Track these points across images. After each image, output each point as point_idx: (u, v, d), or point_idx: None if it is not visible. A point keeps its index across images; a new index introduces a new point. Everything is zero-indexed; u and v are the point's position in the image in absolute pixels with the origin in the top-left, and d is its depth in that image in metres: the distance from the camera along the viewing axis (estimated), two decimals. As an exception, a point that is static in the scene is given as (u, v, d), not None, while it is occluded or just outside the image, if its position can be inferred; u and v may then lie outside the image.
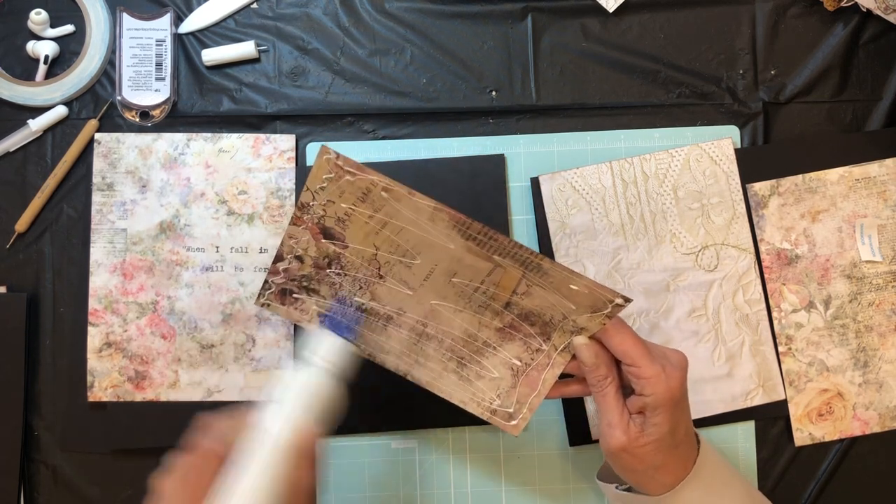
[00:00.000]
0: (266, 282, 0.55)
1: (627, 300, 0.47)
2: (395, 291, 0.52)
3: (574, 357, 0.52)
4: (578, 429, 0.64)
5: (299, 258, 0.52)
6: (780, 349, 0.65)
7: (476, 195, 0.65)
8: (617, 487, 0.55)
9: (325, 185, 0.48)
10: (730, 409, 0.64)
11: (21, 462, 0.63)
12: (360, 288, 0.53)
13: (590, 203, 0.65)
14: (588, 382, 0.52)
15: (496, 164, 0.65)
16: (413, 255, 0.50)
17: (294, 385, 0.46)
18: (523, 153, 0.66)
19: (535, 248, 0.65)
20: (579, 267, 0.64)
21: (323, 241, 0.51)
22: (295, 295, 0.54)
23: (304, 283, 0.53)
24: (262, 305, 0.56)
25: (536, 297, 0.50)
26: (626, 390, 0.52)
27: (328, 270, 0.52)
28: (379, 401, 0.63)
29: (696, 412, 0.64)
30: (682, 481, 0.50)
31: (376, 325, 0.54)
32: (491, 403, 0.54)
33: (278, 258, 0.53)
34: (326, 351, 0.48)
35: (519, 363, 0.53)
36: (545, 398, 0.54)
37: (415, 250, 0.50)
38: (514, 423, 0.54)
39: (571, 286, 0.48)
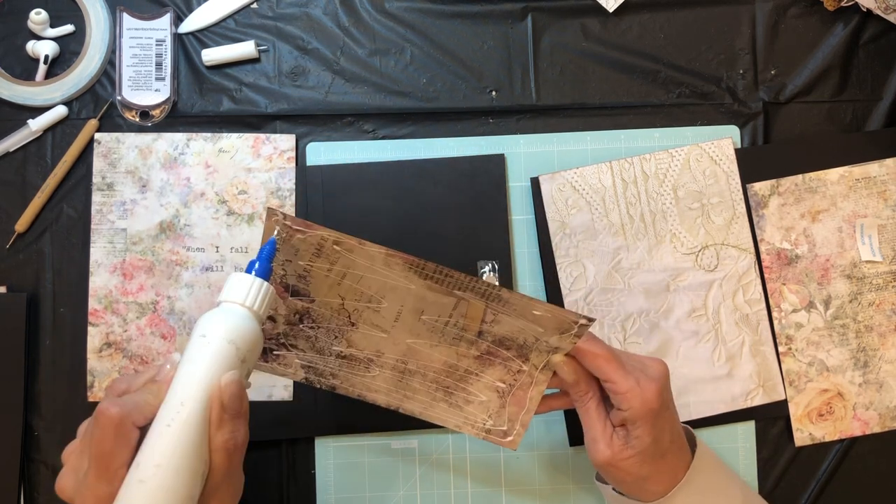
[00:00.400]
0: None
1: (591, 320, 0.48)
2: (370, 336, 0.53)
3: (555, 374, 0.52)
4: (578, 429, 0.64)
5: (271, 318, 0.53)
6: (781, 349, 0.65)
7: (476, 195, 0.65)
8: (614, 489, 0.55)
9: (279, 245, 0.49)
10: (730, 409, 0.64)
11: (21, 462, 0.63)
12: (336, 337, 0.53)
13: (590, 203, 0.65)
14: (571, 397, 0.53)
15: (496, 164, 0.65)
16: (378, 299, 0.51)
17: (218, 330, 0.42)
18: (523, 153, 0.66)
19: (536, 248, 0.65)
20: (579, 267, 0.64)
21: (290, 298, 0.52)
22: (275, 352, 0.54)
23: (282, 341, 0.54)
24: None
25: (505, 324, 0.50)
26: (609, 404, 0.52)
27: (301, 325, 0.53)
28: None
29: (697, 412, 0.64)
30: (672, 489, 0.50)
31: (359, 368, 0.54)
32: (484, 424, 0.55)
33: None
34: (249, 296, 0.44)
35: (503, 385, 0.54)
36: (535, 414, 0.54)
37: (379, 294, 0.51)
38: (509, 439, 0.55)
39: (535, 311, 0.49)
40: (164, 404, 0.39)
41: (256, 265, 0.45)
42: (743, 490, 0.54)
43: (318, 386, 0.55)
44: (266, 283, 0.45)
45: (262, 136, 0.65)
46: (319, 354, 0.54)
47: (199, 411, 0.39)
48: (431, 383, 0.54)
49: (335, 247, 0.49)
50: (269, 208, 0.47)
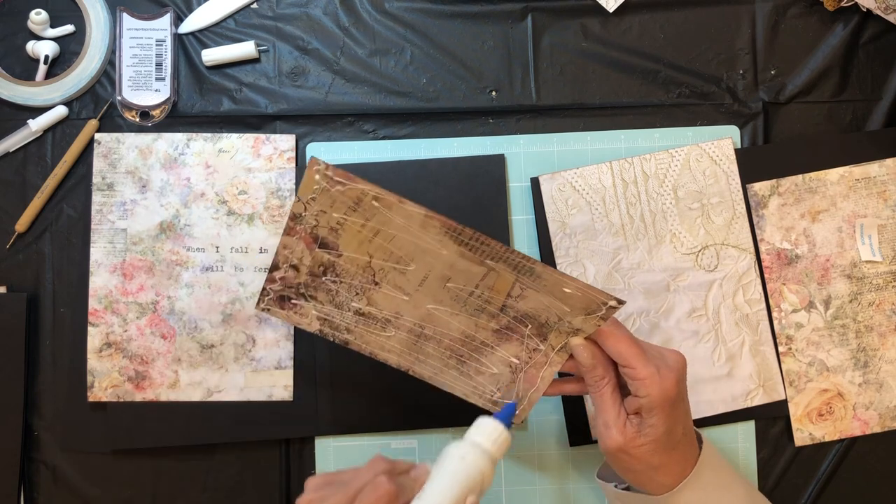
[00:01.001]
0: (264, 289, 0.55)
1: (621, 302, 0.48)
2: (391, 297, 0.53)
3: (571, 357, 0.53)
4: (578, 429, 0.64)
5: (295, 267, 0.53)
6: (780, 349, 0.65)
7: (476, 195, 0.65)
8: (616, 486, 0.55)
9: (315, 195, 0.49)
10: (730, 409, 0.64)
11: (21, 462, 0.63)
12: (357, 294, 0.53)
13: (590, 203, 0.65)
14: (585, 382, 0.52)
15: (496, 164, 0.65)
16: (407, 261, 0.51)
17: (460, 465, 0.47)
18: (523, 153, 0.66)
19: (536, 248, 0.65)
20: (579, 267, 0.64)
21: (317, 250, 0.52)
22: (293, 301, 0.54)
23: (302, 291, 0.54)
24: (263, 310, 0.56)
25: (531, 300, 0.50)
26: (624, 391, 0.52)
27: (324, 278, 0.53)
28: (379, 401, 0.63)
29: (696, 412, 0.64)
30: (681, 482, 0.50)
31: (375, 327, 0.54)
32: (492, 396, 0.55)
33: (274, 267, 0.54)
34: (490, 436, 0.48)
35: (517, 361, 0.54)
36: (544, 395, 0.54)
37: (408, 257, 0.50)
38: (516, 413, 0.55)
39: (565, 289, 0.49)
40: (419, 502, 0.45)
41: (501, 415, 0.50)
42: (747, 488, 0.54)
43: (332, 339, 0.55)
44: (507, 433, 0.49)
45: (263, 136, 0.65)
46: (338, 309, 0.54)
47: None
48: (445, 350, 0.54)
49: (374, 202, 0.48)
50: (312, 157, 0.47)
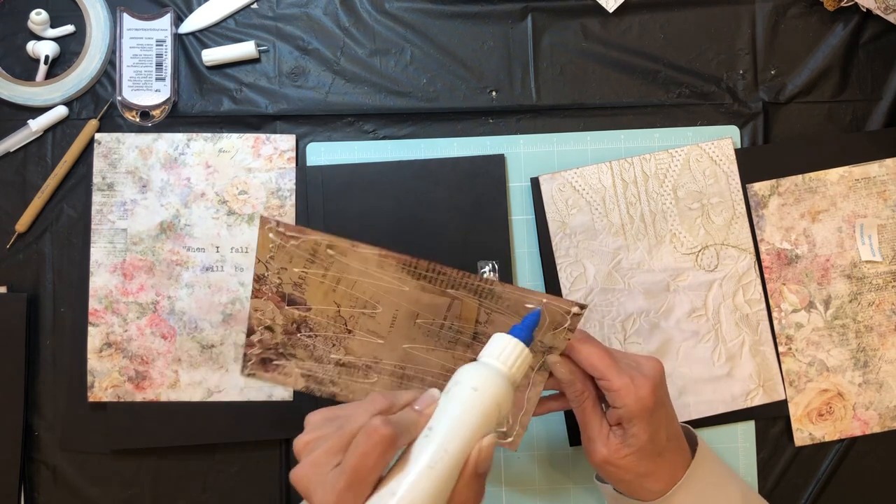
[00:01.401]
0: (245, 354, 0.55)
1: (583, 307, 0.48)
2: (366, 342, 0.53)
3: (552, 374, 0.52)
4: (578, 429, 0.64)
5: (269, 328, 0.53)
6: (780, 349, 0.65)
7: (476, 195, 0.65)
8: (615, 489, 0.55)
9: (272, 253, 0.50)
10: (730, 409, 0.64)
11: (21, 462, 0.63)
12: (334, 345, 0.54)
13: (590, 203, 0.65)
14: (567, 397, 0.53)
15: (496, 164, 0.65)
16: (373, 304, 0.51)
17: (490, 389, 0.43)
18: (523, 153, 0.66)
19: (536, 248, 0.65)
20: (579, 267, 0.64)
21: (286, 307, 0.52)
22: (275, 362, 0.55)
23: (281, 350, 0.54)
24: (248, 376, 0.56)
25: (499, 324, 0.50)
26: (606, 403, 0.52)
27: (299, 335, 0.53)
28: (379, 401, 0.63)
29: (696, 412, 0.64)
30: (672, 487, 0.50)
31: (358, 375, 0.55)
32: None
33: (250, 332, 0.54)
34: (508, 357, 0.44)
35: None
36: (533, 415, 0.54)
37: (374, 300, 0.51)
38: (509, 440, 0.54)
39: (527, 305, 0.49)
40: (426, 442, 0.40)
41: (521, 332, 0.45)
42: (743, 490, 0.54)
43: (319, 394, 0.55)
44: (527, 350, 0.45)
45: (263, 136, 0.65)
46: (318, 363, 0.54)
47: (457, 462, 0.40)
48: (430, 387, 0.54)
49: (329, 251, 0.49)
50: (262, 216, 0.48)
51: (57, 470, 0.64)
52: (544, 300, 0.48)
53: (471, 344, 0.52)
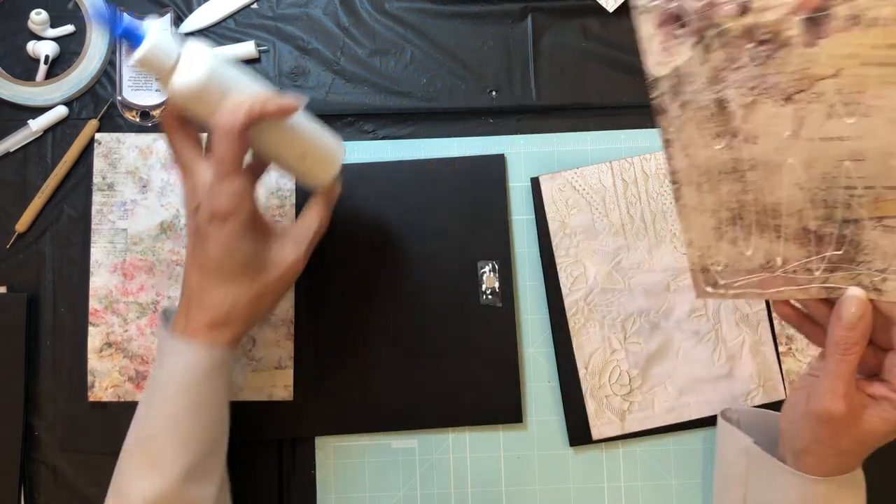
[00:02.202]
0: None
1: None
2: (777, 119, 0.41)
3: (825, 300, 0.45)
4: (578, 429, 0.64)
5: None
6: (781, 349, 0.65)
7: (476, 195, 0.65)
8: (755, 442, 0.53)
9: None
10: (730, 409, 0.64)
11: (21, 462, 0.63)
12: (756, 74, 0.41)
13: (590, 203, 0.65)
14: (828, 339, 0.44)
15: (496, 164, 0.65)
16: (851, 108, 0.38)
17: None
18: (523, 153, 0.66)
19: (536, 248, 0.65)
20: (579, 267, 0.64)
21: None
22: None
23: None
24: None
25: (890, 240, 0.40)
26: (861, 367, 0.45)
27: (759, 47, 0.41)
28: (379, 401, 0.63)
29: (697, 412, 0.64)
30: (839, 475, 0.49)
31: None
32: (712, 264, 0.46)
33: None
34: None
35: (778, 263, 0.44)
36: (775, 312, 0.47)
37: (854, 107, 0.38)
38: (707, 288, 0.46)
39: None
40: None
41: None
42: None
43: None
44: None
45: (263, 136, 0.65)
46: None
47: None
48: (735, 202, 0.45)
49: None
50: None
51: (57, 470, 0.64)
52: None
53: (835, 221, 0.42)
